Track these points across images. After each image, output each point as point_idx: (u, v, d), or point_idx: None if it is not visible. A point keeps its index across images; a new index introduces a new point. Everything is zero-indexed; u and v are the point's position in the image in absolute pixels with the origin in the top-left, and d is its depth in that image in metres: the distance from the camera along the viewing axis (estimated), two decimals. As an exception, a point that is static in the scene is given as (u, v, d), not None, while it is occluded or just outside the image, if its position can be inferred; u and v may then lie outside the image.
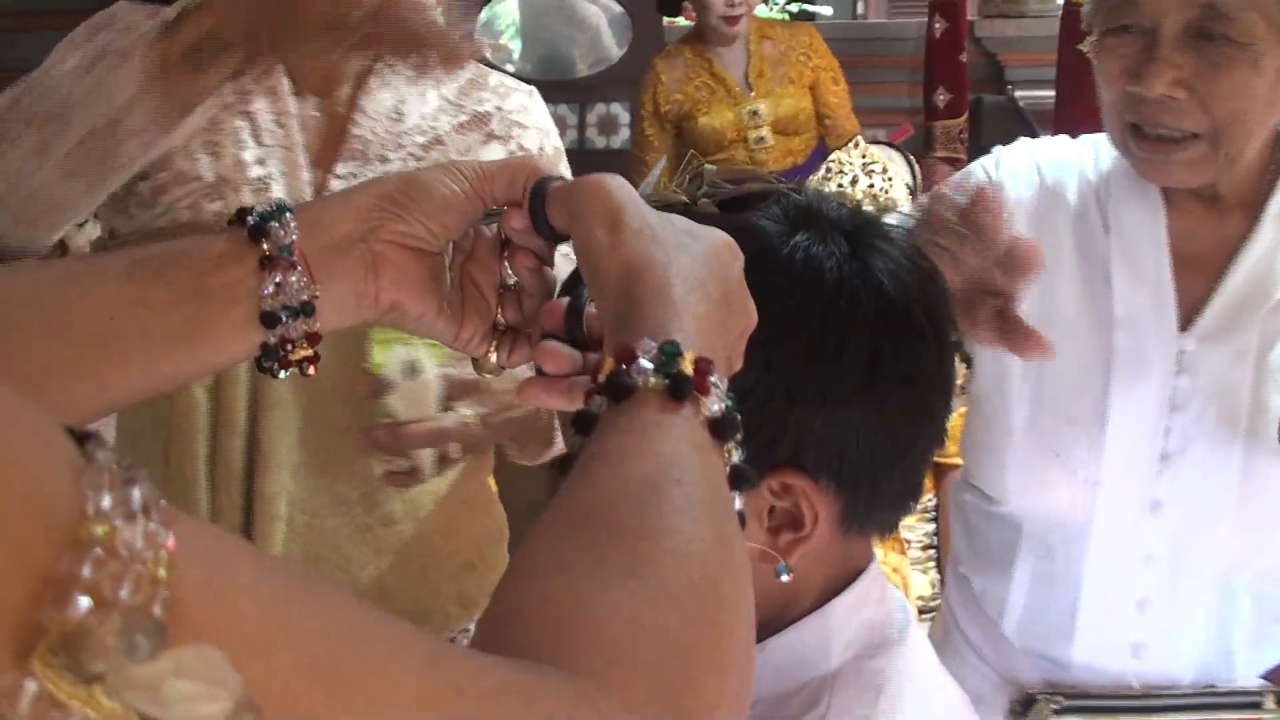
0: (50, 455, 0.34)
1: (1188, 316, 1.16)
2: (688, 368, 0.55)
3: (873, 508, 0.79)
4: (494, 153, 1.33)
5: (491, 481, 1.45)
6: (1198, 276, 1.17)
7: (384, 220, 0.70)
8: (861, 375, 0.75)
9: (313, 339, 0.70)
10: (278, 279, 0.67)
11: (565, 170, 1.34)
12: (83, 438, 0.35)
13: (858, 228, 0.79)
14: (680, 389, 0.55)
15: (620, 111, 4.13)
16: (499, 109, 1.35)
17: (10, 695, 0.30)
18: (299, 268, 0.68)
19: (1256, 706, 1.17)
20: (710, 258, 0.62)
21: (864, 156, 2.80)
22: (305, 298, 0.68)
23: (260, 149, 1.27)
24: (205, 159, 1.26)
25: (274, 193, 1.24)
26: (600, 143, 4.15)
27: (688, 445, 0.54)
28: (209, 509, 1.27)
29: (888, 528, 0.84)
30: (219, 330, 0.68)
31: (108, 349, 0.67)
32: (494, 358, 0.75)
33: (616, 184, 0.63)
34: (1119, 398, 1.15)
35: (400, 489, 1.31)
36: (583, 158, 3.80)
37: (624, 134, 4.09)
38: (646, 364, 0.55)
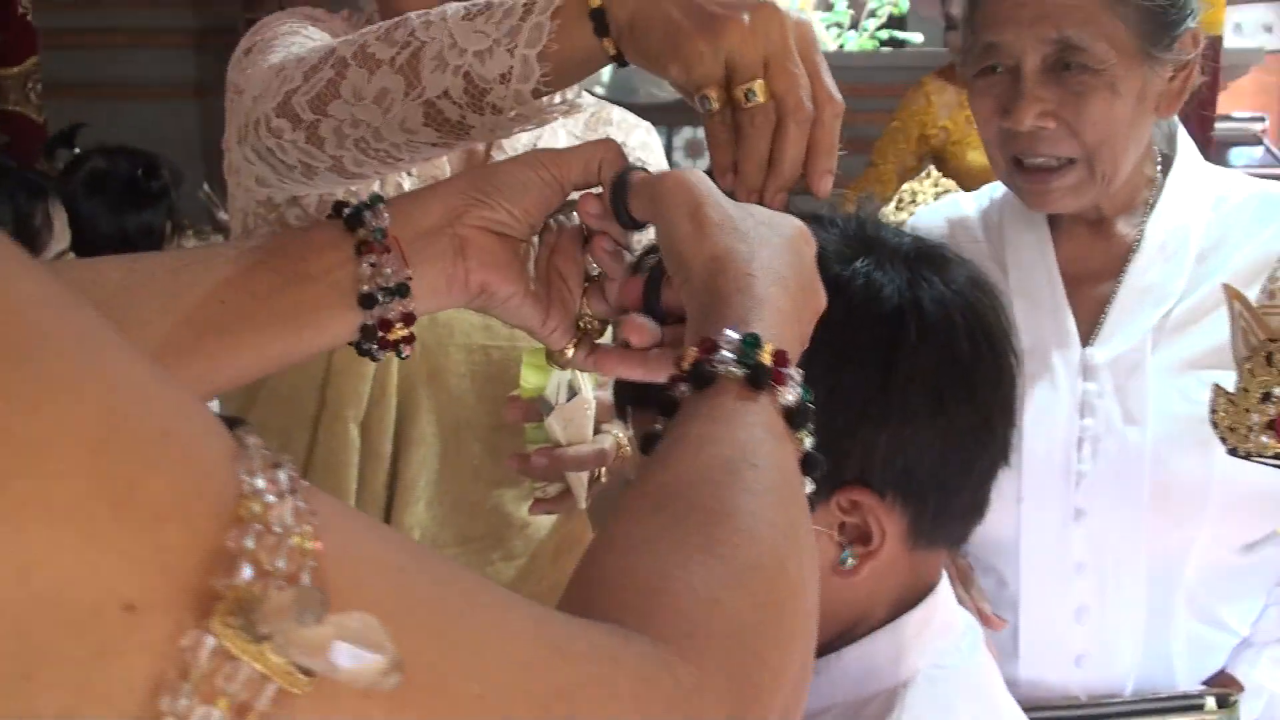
0: (214, 444, 0.37)
1: (1089, 329, 1.22)
2: (766, 359, 0.57)
3: (940, 523, 0.82)
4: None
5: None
6: (1092, 292, 1.23)
7: (469, 207, 0.75)
8: (924, 398, 0.78)
9: (408, 319, 0.74)
10: (373, 261, 0.72)
11: None
12: (233, 423, 0.39)
13: (917, 255, 0.82)
14: (759, 379, 0.57)
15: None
16: (623, 144, 1.31)
17: (194, 649, 0.34)
18: (392, 251, 0.73)
19: (1199, 709, 1.17)
20: (787, 249, 0.65)
21: (936, 185, 2.75)
22: (400, 279, 0.73)
23: (410, 180, 1.28)
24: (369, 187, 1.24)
25: None
26: (687, 166, 4.17)
27: (764, 432, 0.56)
28: None
29: (956, 542, 0.88)
30: (320, 312, 0.73)
31: (220, 331, 0.72)
32: (570, 352, 0.79)
33: (698, 178, 0.66)
34: (1032, 415, 1.20)
35: (525, 521, 1.34)
36: None
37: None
38: (728, 354, 0.57)
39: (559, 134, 1.34)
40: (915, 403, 0.78)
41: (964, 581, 1.22)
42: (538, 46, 0.87)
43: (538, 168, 0.76)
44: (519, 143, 1.29)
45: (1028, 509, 1.20)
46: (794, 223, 0.67)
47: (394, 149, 0.96)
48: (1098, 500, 1.18)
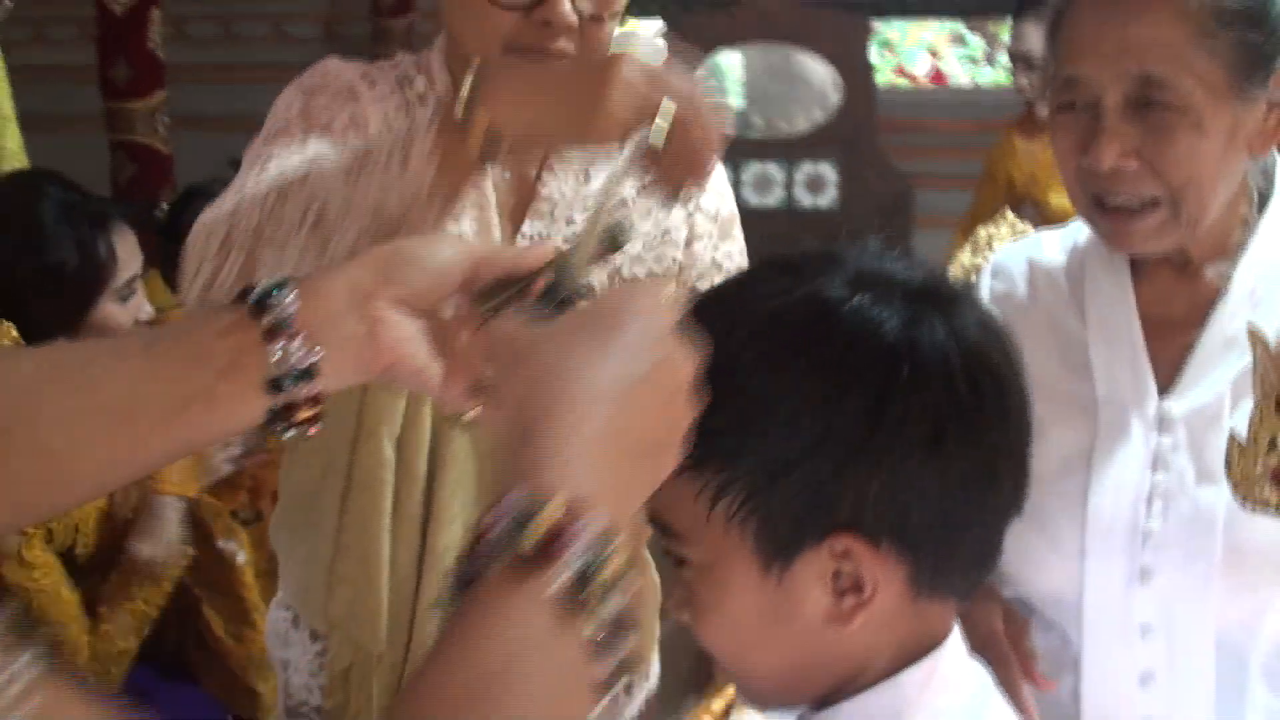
0: None
1: (1168, 378, 1.15)
2: (539, 532, 0.56)
3: (942, 573, 0.79)
4: (675, 216, 1.35)
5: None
6: (1173, 339, 1.16)
7: (378, 287, 0.77)
8: (920, 441, 0.75)
9: (315, 401, 0.77)
10: (281, 346, 0.74)
11: (739, 236, 1.40)
12: None
13: (922, 292, 0.79)
14: (538, 556, 0.55)
15: (828, 171, 4.03)
16: None
17: None
18: (299, 336, 0.75)
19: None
20: (644, 381, 0.64)
21: (1013, 228, 2.74)
22: (307, 364, 0.75)
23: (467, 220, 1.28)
24: None
25: None
26: (808, 201, 4.07)
27: (536, 627, 0.54)
28: (389, 561, 1.32)
29: (963, 594, 0.83)
30: (229, 398, 0.75)
31: (132, 421, 0.74)
32: (469, 415, 0.87)
33: (526, 330, 0.67)
34: (1101, 466, 1.15)
35: None
36: (790, 217, 3.89)
37: (832, 193, 4.01)
38: (498, 535, 0.56)
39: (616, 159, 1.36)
40: (908, 445, 0.75)
41: (1015, 639, 1.16)
42: (426, 182, 1.04)
43: (455, 252, 0.80)
44: (572, 167, 1.33)
45: (1091, 566, 1.15)
46: (668, 344, 0.67)
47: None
48: (1167, 560, 1.12)
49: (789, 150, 4.10)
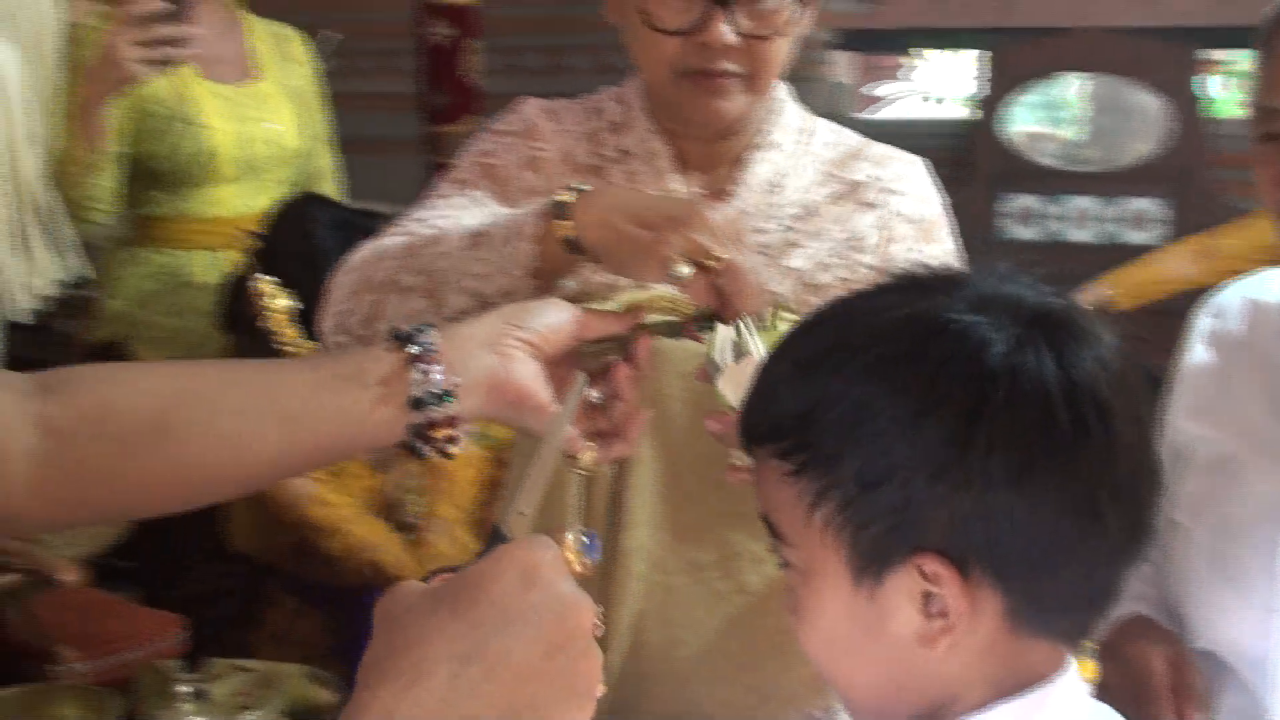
0: None
1: None
2: None
3: (1040, 609, 0.77)
4: (866, 220, 1.35)
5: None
6: None
7: (507, 332, 0.95)
8: (1008, 467, 0.74)
9: (452, 422, 0.91)
10: (423, 369, 0.90)
11: (948, 239, 1.39)
12: None
13: (1041, 317, 0.78)
14: None
15: (1150, 207, 3.91)
16: (874, 176, 1.36)
17: None
18: (439, 364, 0.90)
19: None
20: (486, 659, 0.63)
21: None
22: (446, 386, 0.90)
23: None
24: None
25: None
26: (1130, 237, 3.91)
27: None
28: None
29: (1070, 636, 0.81)
30: (378, 412, 0.90)
31: (298, 424, 0.89)
32: (586, 457, 1.01)
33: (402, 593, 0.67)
34: None
35: (758, 555, 1.32)
36: (1110, 252, 3.70)
37: (1155, 230, 3.88)
38: None
39: (807, 169, 1.37)
40: (997, 471, 0.73)
41: (1179, 683, 1.11)
42: (527, 269, 1.11)
43: (567, 314, 0.99)
44: (761, 178, 1.35)
45: None
46: (559, 611, 0.66)
47: None
48: None
49: (1109, 184, 3.98)
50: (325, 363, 0.95)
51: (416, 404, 0.90)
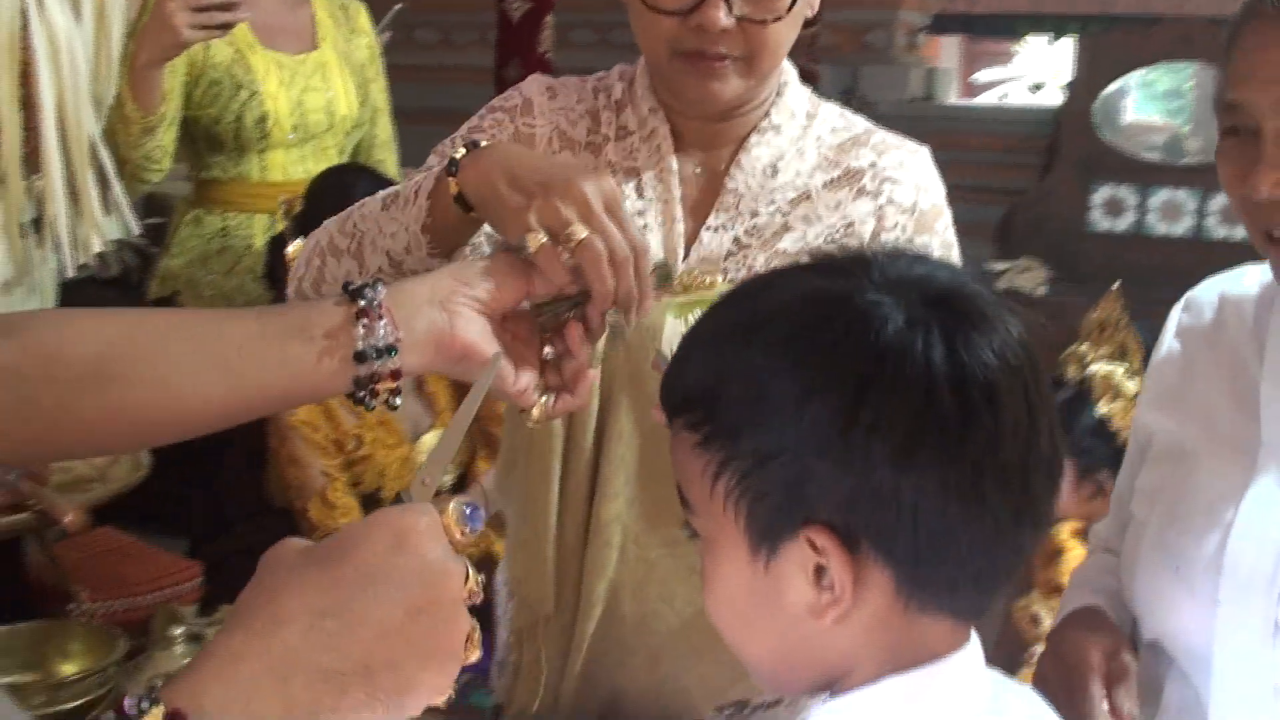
0: None
1: None
2: None
3: (928, 587, 0.78)
4: (863, 208, 1.34)
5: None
6: None
7: (455, 289, 0.96)
8: (893, 446, 0.74)
9: (395, 375, 0.93)
10: (365, 323, 0.92)
11: (947, 230, 1.38)
12: None
13: (941, 299, 0.78)
14: None
15: None
16: (873, 164, 1.36)
17: None
18: (384, 319, 0.92)
19: None
20: (342, 614, 0.66)
21: None
22: (390, 340, 0.92)
23: (641, 201, 1.35)
24: None
25: (650, 240, 1.31)
26: (1220, 233, 3.83)
27: None
28: (555, 528, 1.38)
29: (963, 614, 0.81)
30: (322, 364, 0.92)
31: (240, 374, 0.91)
32: (535, 412, 1.03)
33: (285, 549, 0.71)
34: (1249, 512, 1.06)
35: None
36: (1198, 247, 3.73)
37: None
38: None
39: (807, 153, 1.37)
40: (881, 450, 0.74)
41: (1113, 678, 1.10)
42: (419, 223, 1.14)
43: (516, 272, 1.00)
44: (759, 162, 1.35)
45: (1225, 616, 1.06)
46: (380, 589, 0.68)
47: None
48: None
49: (1204, 177, 3.80)
50: (273, 314, 0.96)
51: (360, 357, 0.92)
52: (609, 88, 1.41)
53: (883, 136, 1.40)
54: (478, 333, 0.96)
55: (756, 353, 0.79)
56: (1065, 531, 2.29)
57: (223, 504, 2.43)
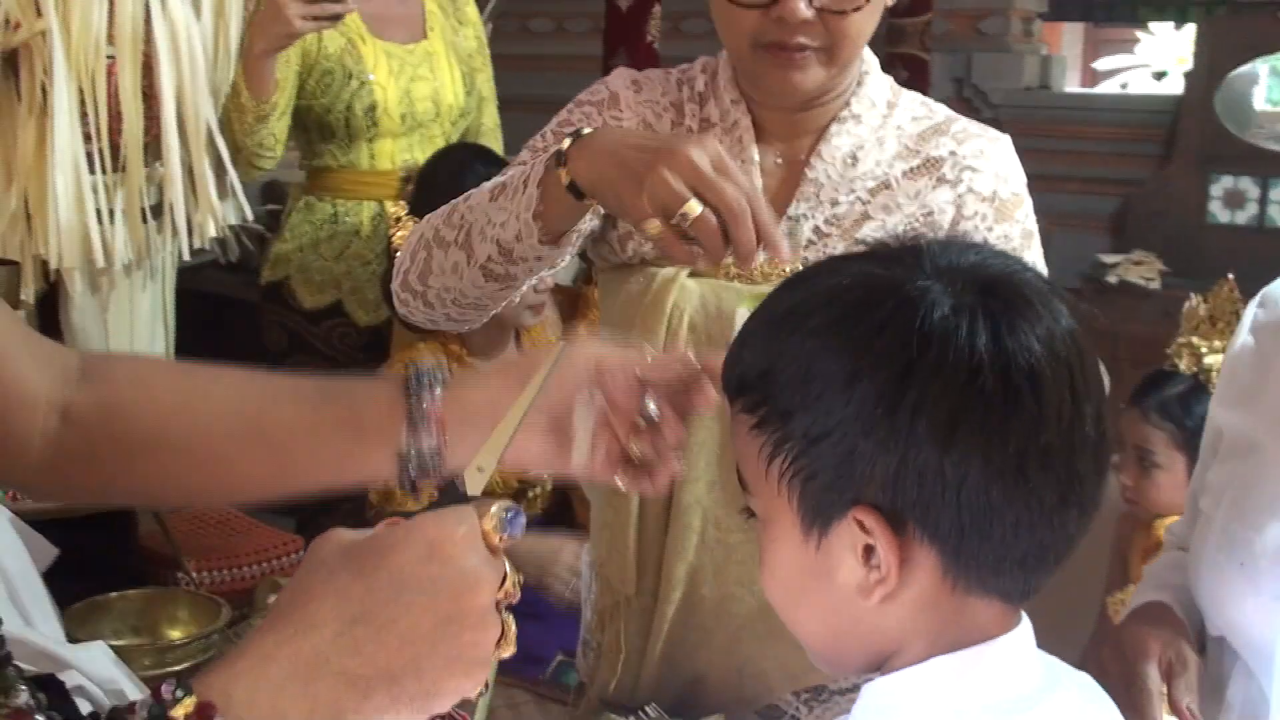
0: None
1: None
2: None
3: (975, 568, 0.79)
4: (943, 196, 1.35)
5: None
6: None
7: (513, 397, 0.85)
8: (933, 429, 0.75)
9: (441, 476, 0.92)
10: (415, 449, 0.90)
11: (1028, 218, 1.38)
12: None
13: (990, 287, 0.79)
14: None
15: None
16: (953, 153, 1.36)
17: None
18: (434, 434, 0.90)
19: None
20: (376, 619, 0.68)
21: None
22: (434, 452, 0.90)
23: None
24: None
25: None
26: None
27: None
28: (637, 513, 1.40)
29: (1011, 595, 0.82)
30: (368, 460, 0.92)
31: (290, 456, 0.92)
32: (619, 483, 0.98)
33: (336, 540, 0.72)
34: None
35: None
36: (1260, 235, 3.73)
37: None
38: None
39: (888, 142, 1.37)
40: (923, 431, 0.75)
41: (1172, 673, 1.09)
42: (531, 210, 1.18)
43: (583, 366, 0.95)
44: (840, 151, 1.36)
45: None
46: (414, 594, 0.70)
47: (477, 302, 1.30)
48: None
49: (1265, 166, 3.78)
50: (328, 402, 0.95)
51: (403, 459, 0.92)
52: (692, 80, 1.43)
53: (963, 125, 1.40)
54: (534, 455, 0.94)
55: (808, 336, 0.81)
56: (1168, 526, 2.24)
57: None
